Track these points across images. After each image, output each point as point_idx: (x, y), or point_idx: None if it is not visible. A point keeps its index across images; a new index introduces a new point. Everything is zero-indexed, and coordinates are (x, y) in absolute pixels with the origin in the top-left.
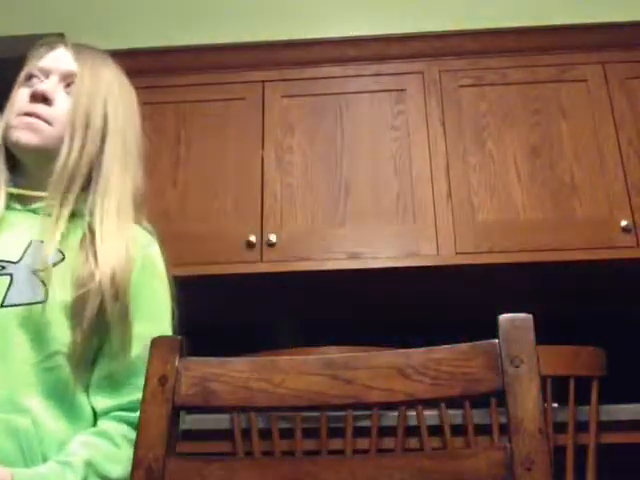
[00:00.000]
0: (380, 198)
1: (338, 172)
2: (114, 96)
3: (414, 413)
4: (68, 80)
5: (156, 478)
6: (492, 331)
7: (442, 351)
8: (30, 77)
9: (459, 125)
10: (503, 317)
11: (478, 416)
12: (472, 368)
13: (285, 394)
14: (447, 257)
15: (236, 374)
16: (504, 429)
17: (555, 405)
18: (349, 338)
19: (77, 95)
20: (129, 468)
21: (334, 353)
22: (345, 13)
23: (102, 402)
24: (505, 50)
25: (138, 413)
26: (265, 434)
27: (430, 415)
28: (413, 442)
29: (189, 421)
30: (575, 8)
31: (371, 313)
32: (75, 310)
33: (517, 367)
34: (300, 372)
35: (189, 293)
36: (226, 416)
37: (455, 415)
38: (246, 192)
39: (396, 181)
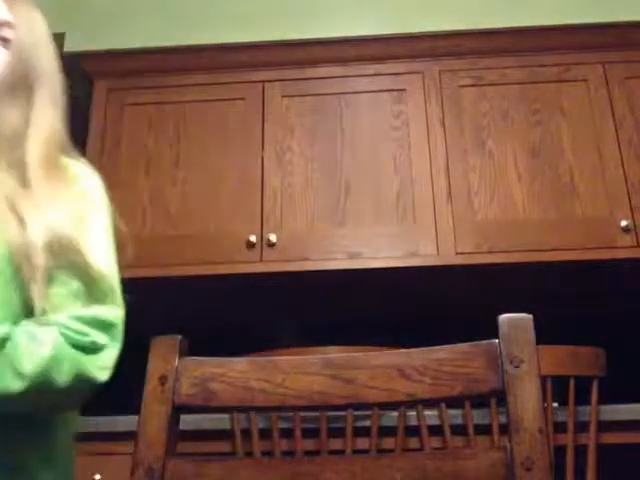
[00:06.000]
0: (380, 198)
1: (338, 172)
2: (41, 38)
3: (414, 413)
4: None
5: (156, 478)
6: (492, 331)
7: (442, 351)
8: None
9: (459, 125)
10: (503, 317)
11: (478, 416)
12: (472, 368)
13: (285, 394)
14: (447, 257)
15: (236, 374)
16: (504, 429)
17: (555, 405)
18: (349, 338)
19: (15, 49)
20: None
21: (334, 353)
22: (345, 13)
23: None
24: (505, 50)
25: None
26: (265, 434)
27: (430, 415)
28: (413, 442)
29: (189, 421)
30: (576, 8)
31: (371, 313)
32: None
33: (517, 367)
34: (300, 372)
35: (189, 293)
36: (226, 416)
37: (455, 415)
38: (246, 192)
39: (396, 181)
